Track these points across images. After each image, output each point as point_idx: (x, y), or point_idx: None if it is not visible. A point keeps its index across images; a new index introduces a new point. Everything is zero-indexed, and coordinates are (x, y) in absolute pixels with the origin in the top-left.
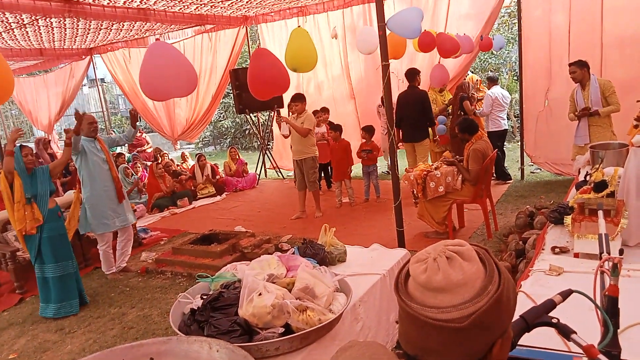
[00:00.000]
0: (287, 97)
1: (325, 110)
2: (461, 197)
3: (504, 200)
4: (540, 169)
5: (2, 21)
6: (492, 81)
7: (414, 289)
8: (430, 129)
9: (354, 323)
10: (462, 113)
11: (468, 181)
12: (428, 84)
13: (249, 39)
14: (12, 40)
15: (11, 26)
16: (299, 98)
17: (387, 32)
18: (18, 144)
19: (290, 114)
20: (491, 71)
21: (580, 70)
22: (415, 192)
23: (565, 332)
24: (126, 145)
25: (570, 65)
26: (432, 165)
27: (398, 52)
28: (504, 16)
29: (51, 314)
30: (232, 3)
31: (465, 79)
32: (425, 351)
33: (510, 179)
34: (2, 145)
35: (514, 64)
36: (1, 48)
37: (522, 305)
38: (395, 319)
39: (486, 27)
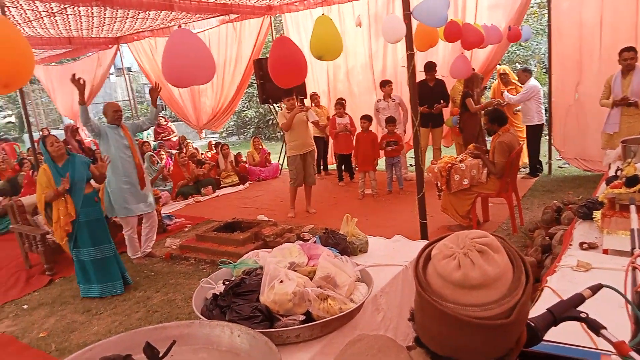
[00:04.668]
0: (309, 87)
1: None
2: (486, 190)
3: (530, 194)
4: (569, 164)
5: (32, 10)
6: (530, 73)
7: (441, 287)
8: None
9: (375, 313)
10: (465, 109)
11: (493, 174)
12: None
13: (273, 29)
14: (42, 28)
15: (41, 15)
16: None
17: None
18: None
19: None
20: (519, 63)
21: (636, 56)
22: (439, 185)
23: (595, 327)
24: (152, 133)
25: (627, 50)
26: (457, 157)
27: (431, 41)
28: (533, 7)
29: (97, 294)
30: None
31: (476, 71)
32: (462, 350)
33: (538, 174)
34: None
35: (542, 56)
36: (32, 37)
37: (548, 301)
38: None
39: (516, 17)
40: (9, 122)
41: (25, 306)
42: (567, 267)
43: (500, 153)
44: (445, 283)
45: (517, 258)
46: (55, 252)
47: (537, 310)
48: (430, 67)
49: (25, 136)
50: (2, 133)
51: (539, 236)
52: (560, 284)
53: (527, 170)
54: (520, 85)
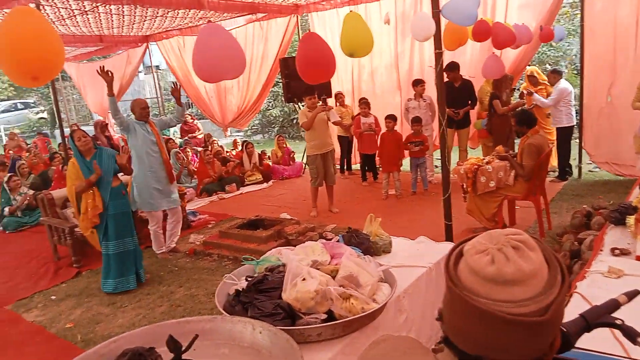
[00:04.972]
0: (333, 87)
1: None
2: (513, 193)
3: (559, 198)
4: (599, 168)
5: (66, 8)
6: (559, 74)
7: (473, 283)
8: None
9: (398, 315)
10: (493, 111)
11: (521, 177)
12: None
13: (300, 28)
14: (75, 26)
15: (74, 13)
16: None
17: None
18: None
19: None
20: (549, 64)
21: None
22: (465, 187)
23: (632, 334)
24: (178, 131)
25: None
26: (484, 159)
27: (461, 39)
28: (565, 6)
29: (110, 289)
30: None
31: (508, 74)
32: (493, 349)
33: (568, 178)
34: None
35: (574, 57)
36: (64, 34)
37: (577, 307)
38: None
39: (548, 17)
40: (42, 118)
41: (53, 297)
42: (598, 273)
43: (529, 155)
44: (478, 279)
45: (553, 257)
46: (83, 245)
47: (566, 316)
48: (452, 67)
49: (57, 132)
50: (34, 128)
51: (568, 241)
52: (590, 290)
53: (556, 173)
54: (549, 85)
